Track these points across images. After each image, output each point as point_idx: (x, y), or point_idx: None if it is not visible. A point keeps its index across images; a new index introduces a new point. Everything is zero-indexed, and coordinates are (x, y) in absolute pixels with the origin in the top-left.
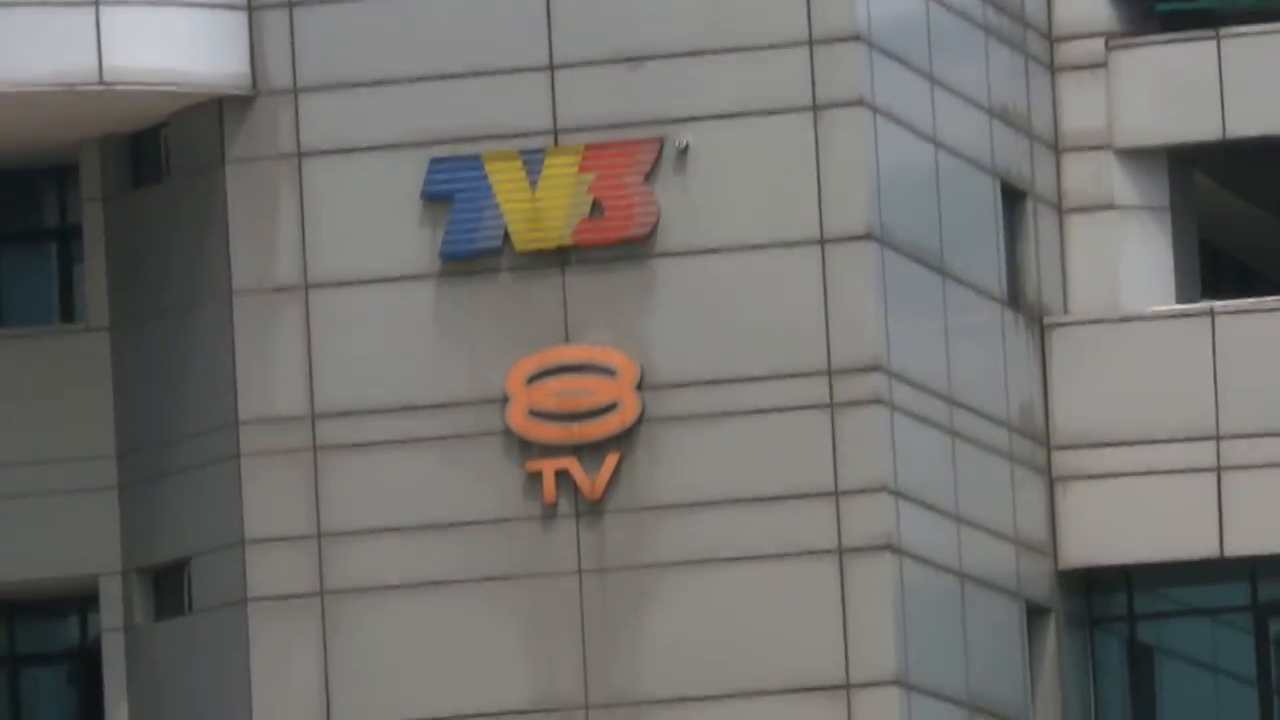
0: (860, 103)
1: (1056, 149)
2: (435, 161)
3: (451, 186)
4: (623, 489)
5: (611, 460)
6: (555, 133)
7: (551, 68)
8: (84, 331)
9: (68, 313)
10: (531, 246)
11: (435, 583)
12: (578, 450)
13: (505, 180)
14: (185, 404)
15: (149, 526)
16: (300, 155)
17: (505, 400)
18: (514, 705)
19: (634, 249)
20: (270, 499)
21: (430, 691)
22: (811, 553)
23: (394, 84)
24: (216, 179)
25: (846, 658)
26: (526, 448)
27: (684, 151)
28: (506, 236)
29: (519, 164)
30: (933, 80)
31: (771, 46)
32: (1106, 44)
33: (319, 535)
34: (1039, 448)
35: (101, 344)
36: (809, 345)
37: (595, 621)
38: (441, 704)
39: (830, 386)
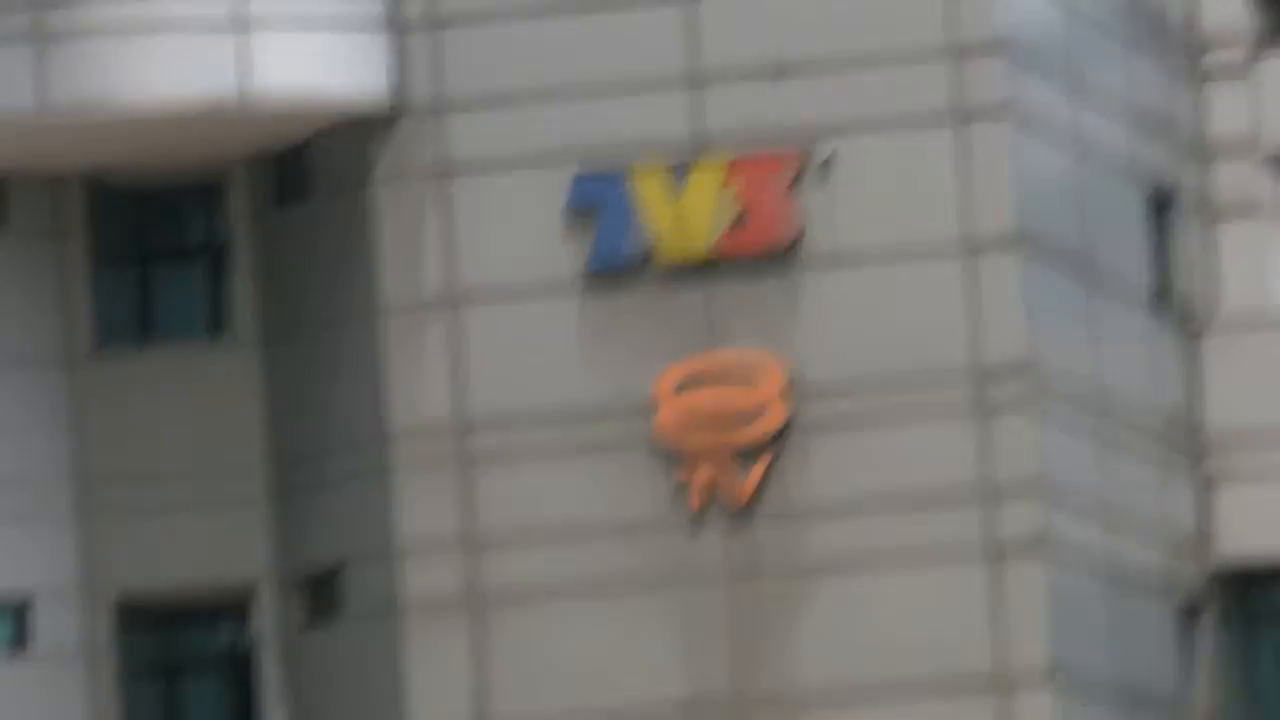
0: (1004, 110)
1: (1204, 154)
2: (580, 176)
3: (596, 200)
4: (772, 494)
5: (759, 466)
6: (700, 145)
7: (696, 81)
8: (234, 347)
9: (217, 328)
10: (676, 257)
11: (586, 587)
12: (725, 457)
13: (650, 193)
14: (336, 416)
15: (302, 536)
16: (446, 173)
17: (653, 408)
18: (666, 706)
19: (778, 258)
20: (421, 507)
21: (582, 693)
22: (964, 553)
23: (538, 99)
24: (362, 196)
25: (1000, 656)
26: (673, 455)
27: (828, 162)
28: (651, 248)
29: (663, 177)
30: (1076, 87)
31: (915, 56)
32: (1251, 51)
33: (470, 542)
34: (1190, 448)
35: (251, 359)
36: (957, 348)
37: (746, 624)
38: (595, 706)
39: (980, 389)
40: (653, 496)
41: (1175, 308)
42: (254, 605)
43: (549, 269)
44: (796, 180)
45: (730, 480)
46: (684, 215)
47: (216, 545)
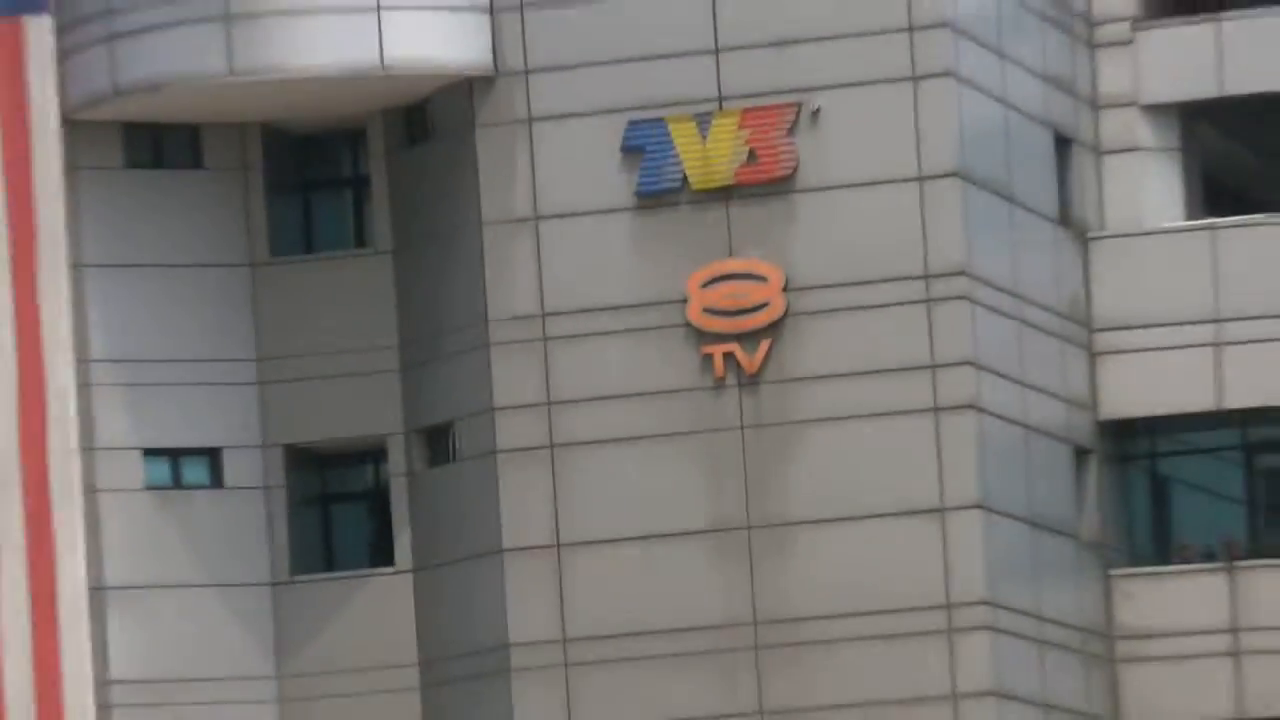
0: (948, 74)
1: (1095, 107)
2: (631, 124)
3: (643, 142)
4: (774, 366)
5: (765, 345)
6: (720, 100)
7: (717, 50)
8: (372, 255)
9: (360, 241)
10: (703, 185)
11: (634, 437)
12: (739, 338)
13: (683, 136)
14: (448, 306)
15: (424, 398)
16: (531, 120)
17: (685, 301)
18: (694, 527)
19: (780, 186)
20: (512, 376)
21: (631, 516)
22: (915, 411)
23: (599, 65)
24: (469, 138)
25: (941, 489)
26: (701, 335)
27: (816, 113)
28: (685, 178)
29: (693, 124)
30: (1002, 55)
31: (882, 31)
32: (1132, 26)
33: (548, 403)
34: (1083, 329)
35: (385, 264)
36: (913, 257)
37: (755, 464)
38: (641, 526)
39: (928, 286)
40: (685, 368)
41: (1074, 224)
42: (389, 451)
43: (609, 193)
44: (793, 127)
45: (743, 355)
46: (709, 154)
47: (361, 405)
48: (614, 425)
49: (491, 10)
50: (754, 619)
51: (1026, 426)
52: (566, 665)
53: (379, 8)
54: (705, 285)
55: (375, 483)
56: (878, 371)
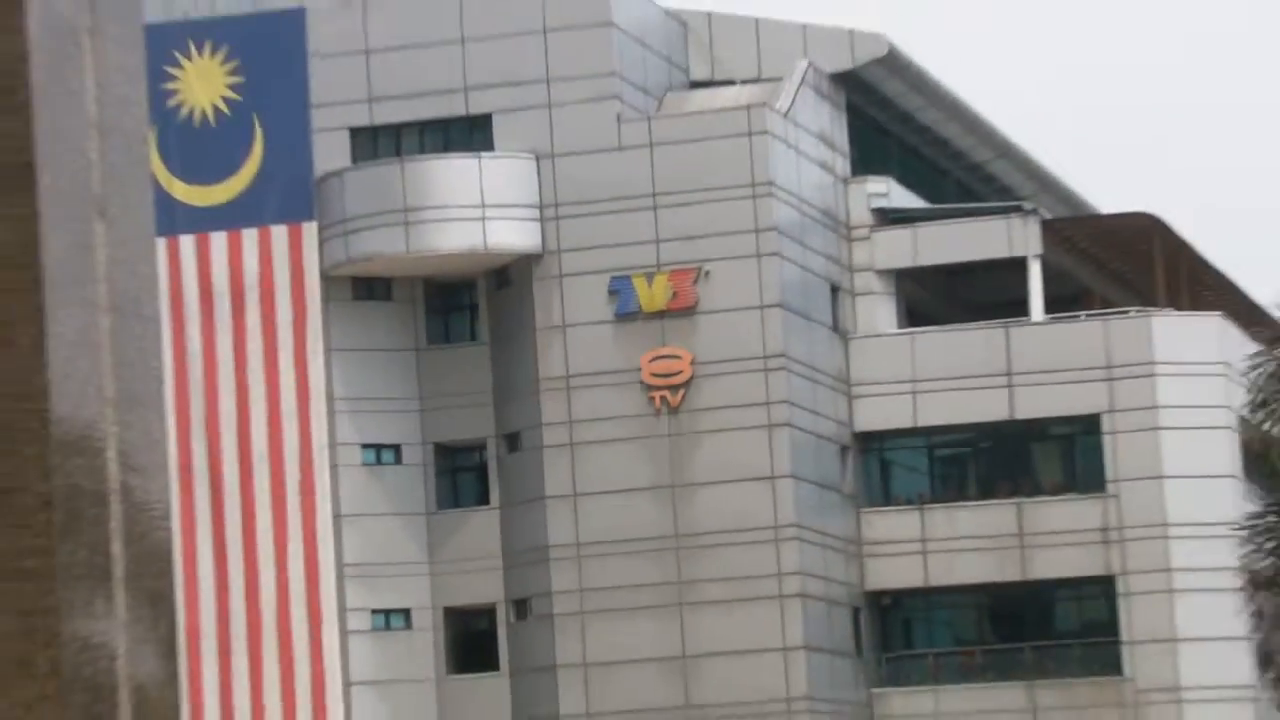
0: (776, 254)
1: (852, 270)
2: (613, 279)
3: (619, 288)
4: (685, 404)
5: (681, 393)
6: (658, 266)
7: (657, 241)
8: (479, 345)
9: (473, 336)
10: (650, 309)
11: (611, 440)
12: (669, 389)
13: (639, 285)
14: (519, 372)
15: (507, 416)
16: (561, 276)
17: (639, 369)
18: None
19: (689, 310)
20: (555, 402)
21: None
22: (756, 427)
23: (596, 249)
24: (530, 284)
25: (772, 466)
26: (649, 387)
27: (707, 274)
28: (640, 307)
29: (644, 278)
30: (803, 245)
31: (745, 232)
32: (870, 229)
33: (570, 421)
34: (846, 383)
35: (485, 351)
36: (760, 347)
37: (674, 453)
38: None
39: (765, 364)
40: (640, 403)
41: (841, 331)
42: (486, 446)
43: (601, 314)
44: (696, 280)
45: (670, 397)
46: (653, 294)
47: (472, 420)
48: (605, 432)
49: (541, 219)
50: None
51: (819, 436)
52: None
53: (484, 218)
54: (651, 360)
55: (480, 462)
56: (741, 405)
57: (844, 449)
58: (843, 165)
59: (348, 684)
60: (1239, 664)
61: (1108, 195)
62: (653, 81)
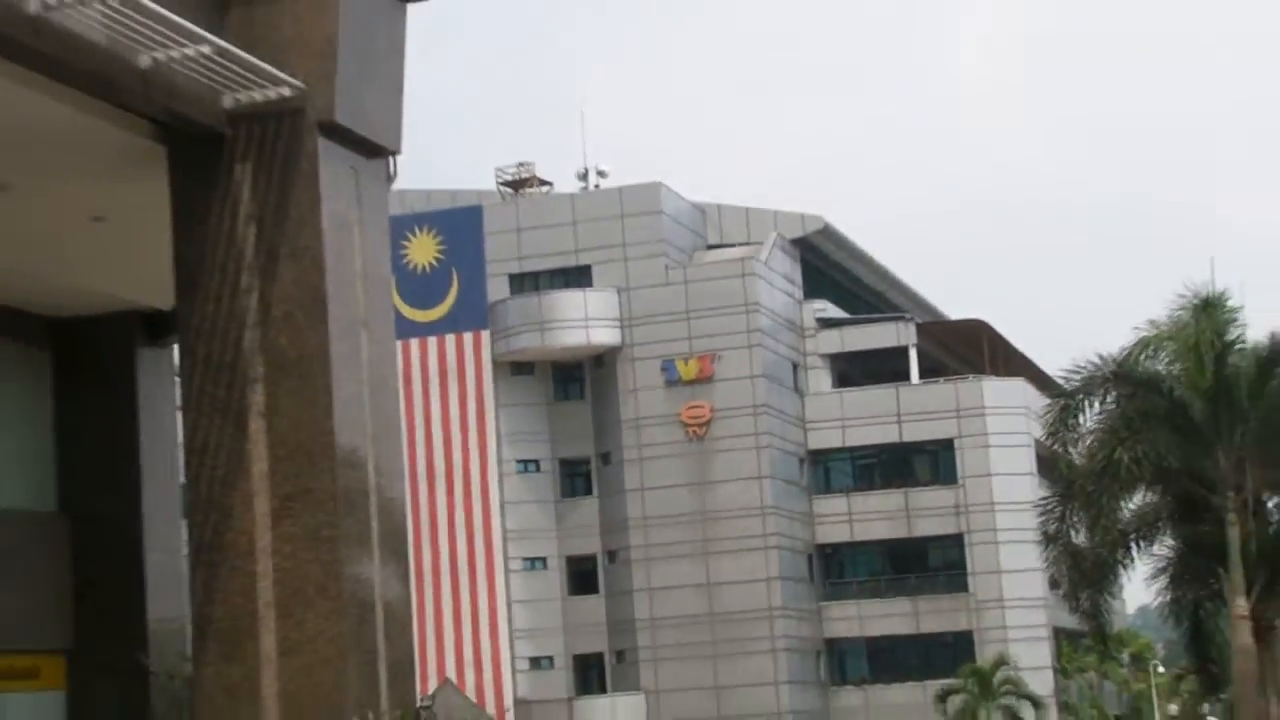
0: (757, 346)
1: (805, 355)
2: (664, 361)
3: (668, 366)
4: (709, 434)
5: (706, 428)
6: (690, 354)
7: (690, 339)
8: (581, 402)
9: (581, 396)
10: (686, 378)
11: (676, 455)
12: (697, 425)
13: (680, 364)
14: (625, 412)
15: (603, 436)
16: (634, 360)
17: (679, 413)
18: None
19: (710, 380)
20: (645, 425)
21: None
22: (747, 450)
23: (654, 343)
24: (614, 366)
25: (759, 468)
26: (685, 426)
27: (718, 359)
28: (680, 376)
29: (683, 361)
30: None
31: (741, 348)
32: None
33: (641, 444)
34: (802, 423)
35: (588, 405)
36: (752, 399)
37: (698, 466)
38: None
39: (753, 411)
40: (681, 431)
41: (799, 390)
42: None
43: (660, 380)
44: (713, 360)
45: (699, 430)
46: (688, 368)
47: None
48: (659, 451)
49: (620, 327)
50: None
51: (786, 452)
52: None
53: (587, 326)
54: (687, 409)
55: (586, 470)
56: (740, 435)
57: (801, 460)
58: (798, 293)
59: (509, 602)
60: (1038, 584)
61: (957, 306)
62: (685, 244)
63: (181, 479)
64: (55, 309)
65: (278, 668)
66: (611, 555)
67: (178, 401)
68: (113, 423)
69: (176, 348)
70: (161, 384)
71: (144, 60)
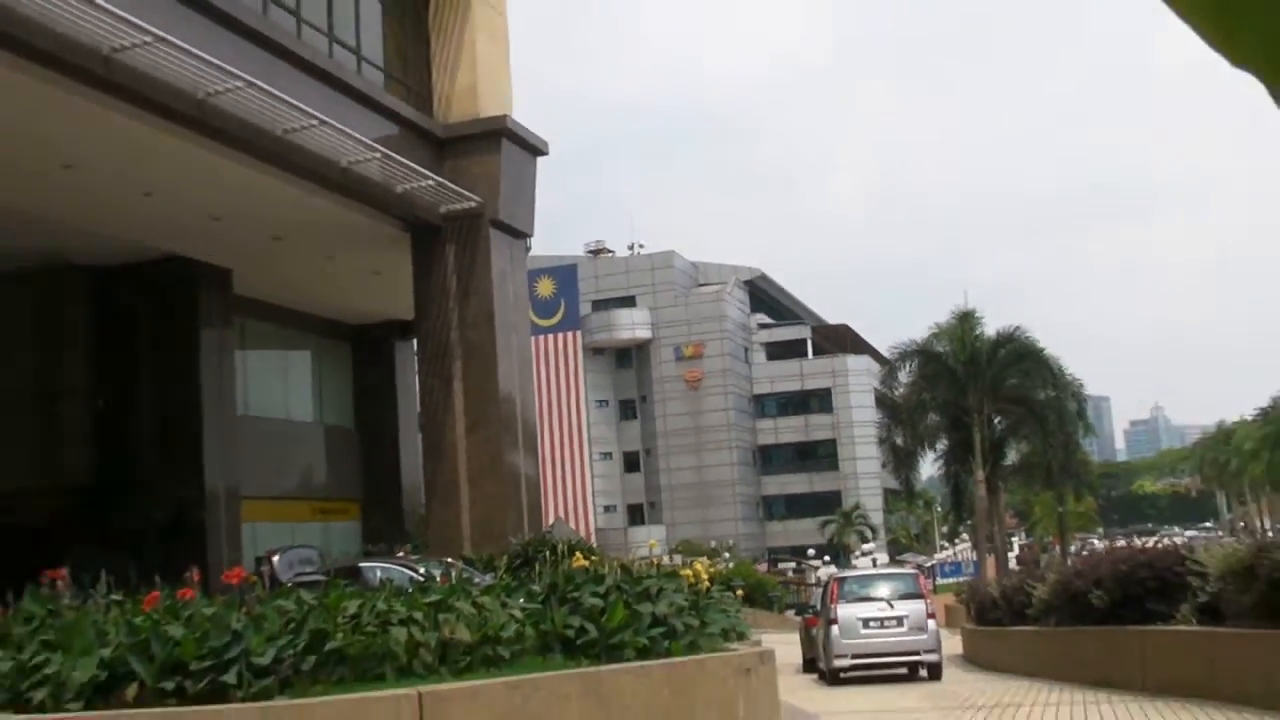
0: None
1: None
2: (675, 347)
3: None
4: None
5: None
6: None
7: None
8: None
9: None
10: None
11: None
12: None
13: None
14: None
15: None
16: (652, 354)
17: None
18: None
19: (697, 389)
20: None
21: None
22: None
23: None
24: (649, 355)
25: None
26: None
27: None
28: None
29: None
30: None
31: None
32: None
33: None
34: None
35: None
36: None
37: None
38: None
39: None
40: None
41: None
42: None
43: (675, 374)
44: (697, 385)
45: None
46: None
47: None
48: (676, 393)
49: (651, 329)
50: None
51: (740, 394)
52: None
53: (634, 329)
54: (688, 373)
55: (636, 413)
56: (714, 387)
57: (749, 399)
58: (748, 309)
59: (592, 476)
60: (875, 465)
61: (834, 315)
62: (685, 283)
63: (418, 410)
64: (353, 319)
65: (469, 510)
66: (647, 451)
67: (416, 369)
68: (382, 381)
69: (415, 341)
70: (408, 360)
71: (400, 188)
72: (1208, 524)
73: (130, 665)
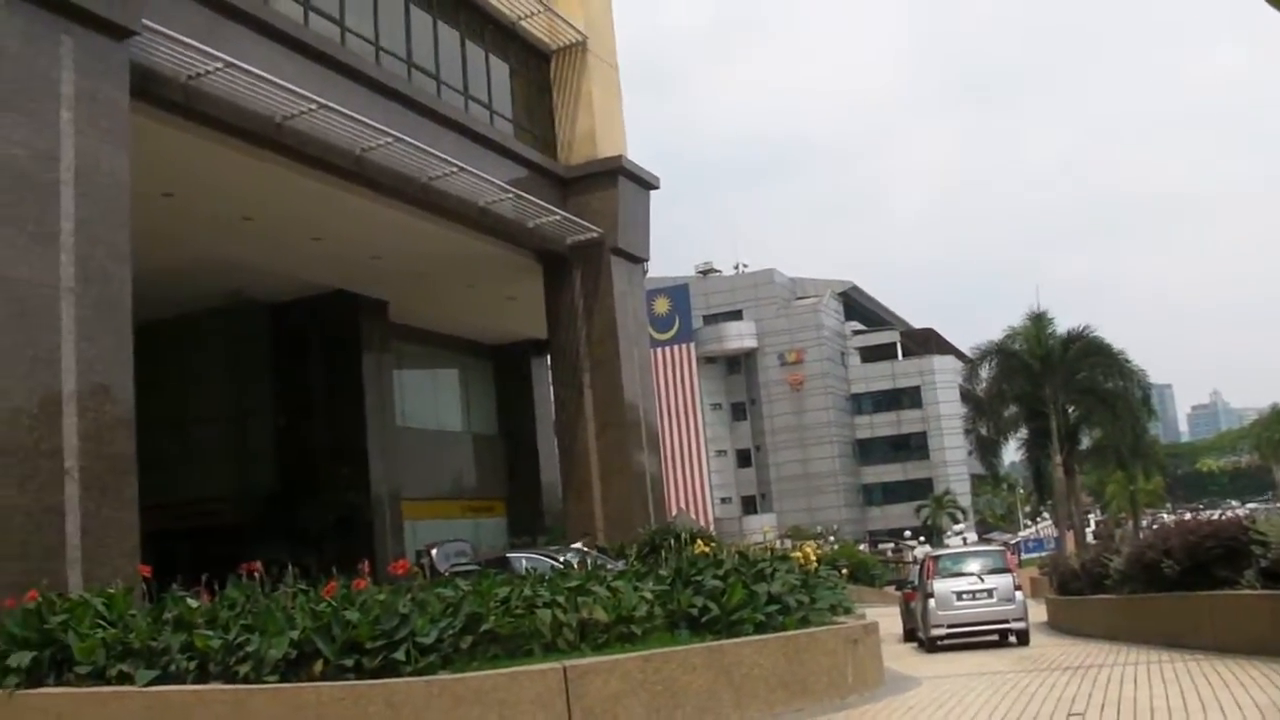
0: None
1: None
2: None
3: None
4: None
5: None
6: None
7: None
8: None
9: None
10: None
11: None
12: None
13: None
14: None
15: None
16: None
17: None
18: None
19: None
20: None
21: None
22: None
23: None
24: (755, 362)
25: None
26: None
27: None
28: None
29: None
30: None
31: None
32: None
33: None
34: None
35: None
36: None
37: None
38: None
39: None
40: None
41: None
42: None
43: (781, 376)
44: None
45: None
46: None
47: None
48: (780, 395)
49: (757, 338)
50: None
51: (839, 394)
52: None
53: (741, 339)
54: (790, 376)
55: (747, 415)
56: (814, 389)
57: (847, 398)
58: (842, 317)
59: (709, 471)
60: (962, 454)
61: (919, 320)
62: (786, 297)
63: (554, 417)
64: (493, 339)
65: (602, 505)
66: (757, 447)
67: (550, 381)
68: (520, 393)
69: (549, 356)
70: (542, 373)
71: (531, 224)
72: (1265, 496)
73: (315, 644)
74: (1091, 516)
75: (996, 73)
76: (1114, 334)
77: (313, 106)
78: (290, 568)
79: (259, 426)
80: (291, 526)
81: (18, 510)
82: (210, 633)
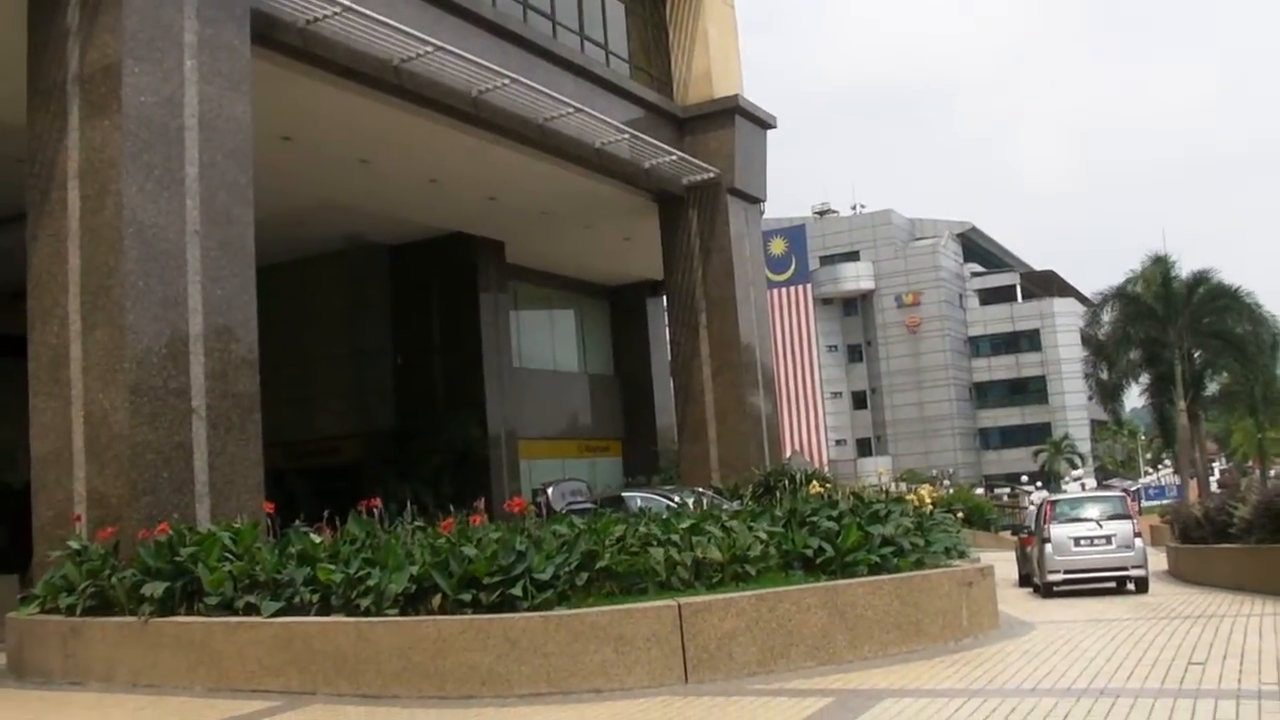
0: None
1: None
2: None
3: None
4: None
5: None
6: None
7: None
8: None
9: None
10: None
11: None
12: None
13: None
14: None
15: None
16: (878, 296)
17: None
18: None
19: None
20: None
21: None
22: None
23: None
24: (873, 303)
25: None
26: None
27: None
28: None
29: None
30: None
31: None
32: None
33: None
34: None
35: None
36: None
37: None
38: None
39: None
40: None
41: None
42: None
43: (898, 319)
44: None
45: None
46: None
47: None
48: (897, 337)
49: (874, 280)
50: None
51: (956, 337)
52: None
53: (859, 280)
54: (908, 319)
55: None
56: (932, 331)
57: (965, 340)
58: (960, 259)
59: (825, 414)
60: (1082, 398)
61: (1038, 261)
62: (904, 238)
63: (669, 358)
64: (610, 280)
65: (717, 446)
66: (873, 390)
67: (666, 322)
68: (636, 334)
69: (665, 297)
70: (659, 314)
71: (647, 164)
72: None
73: (434, 579)
74: (1216, 464)
75: (1136, 8)
76: (1246, 279)
77: (429, 49)
78: (409, 505)
79: (378, 367)
80: (410, 464)
81: (149, 447)
82: (332, 566)
